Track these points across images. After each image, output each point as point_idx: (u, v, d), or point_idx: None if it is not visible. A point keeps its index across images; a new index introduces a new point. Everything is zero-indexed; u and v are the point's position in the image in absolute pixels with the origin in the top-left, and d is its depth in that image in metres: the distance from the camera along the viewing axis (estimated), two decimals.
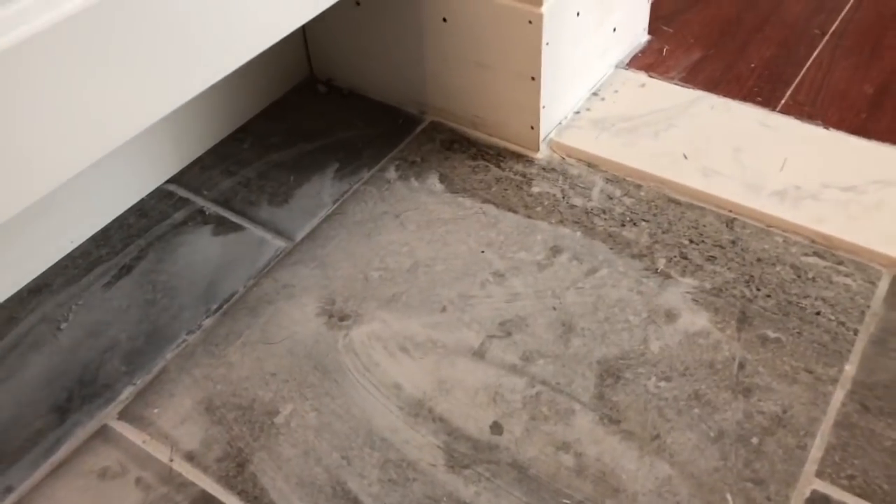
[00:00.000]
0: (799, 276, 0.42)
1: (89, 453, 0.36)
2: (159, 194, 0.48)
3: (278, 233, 0.46)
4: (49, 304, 0.43)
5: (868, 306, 0.40)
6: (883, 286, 0.41)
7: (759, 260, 0.43)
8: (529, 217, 0.46)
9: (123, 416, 0.38)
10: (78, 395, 0.39)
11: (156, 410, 0.38)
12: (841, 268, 0.42)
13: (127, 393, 0.39)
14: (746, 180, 0.47)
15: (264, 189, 0.48)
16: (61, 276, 0.44)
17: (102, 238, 0.46)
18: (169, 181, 0.49)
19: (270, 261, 0.44)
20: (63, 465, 0.36)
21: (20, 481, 0.35)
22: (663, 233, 0.45)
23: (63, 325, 0.42)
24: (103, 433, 0.37)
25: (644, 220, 0.45)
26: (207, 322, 0.41)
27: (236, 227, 0.46)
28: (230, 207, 0.47)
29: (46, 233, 0.44)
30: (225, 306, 0.42)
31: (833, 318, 0.40)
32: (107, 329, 0.41)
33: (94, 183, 0.46)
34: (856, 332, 0.39)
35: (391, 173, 0.49)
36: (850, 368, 0.38)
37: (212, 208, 0.47)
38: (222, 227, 0.46)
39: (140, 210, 0.48)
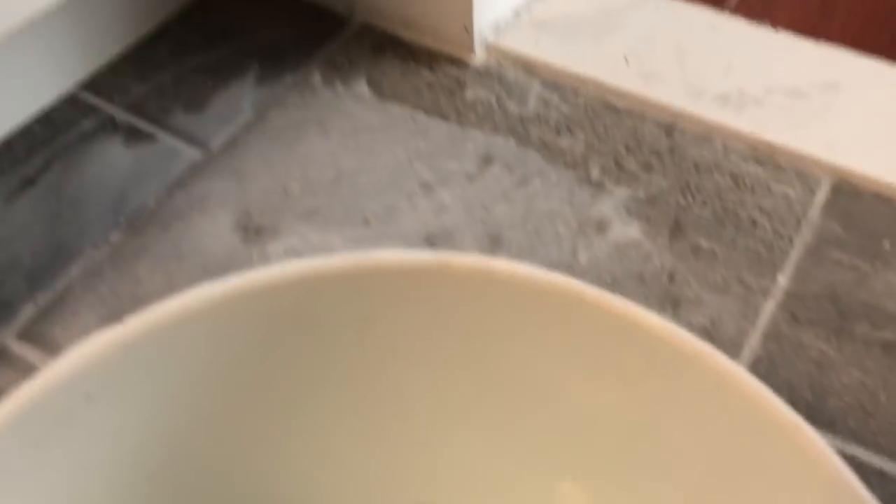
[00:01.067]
0: (737, 185, 0.41)
1: None
2: (66, 101, 0.45)
3: (193, 142, 0.43)
4: None
5: (805, 215, 0.39)
6: (822, 194, 0.40)
7: (696, 168, 0.41)
8: (461, 125, 0.44)
9: (24, 336, 0.36)
10: None
11: (58, 329, 0.36)
12: (781, 175, 0.41)
13: (28, 311, 0.37)
14: (689, 85, 0.45)
15: (180, 95, 0.45)
16: None
17: (4, 148, 0.43)
18: (77, 87, 0.46)
19: (184, 172, 0.42)
20: None
21: None
22: (599, 141, 0.43)
23: None
24: (1, 355, 0.35)
25: (580, 128, 0.43)
26: (116, 237, 0.39)
27: (149, 137, 0.43)
28: (143, 115, 0.44)
29: None
30: (135, 220, 0.40)
31: (769, 227, 0.39)
32: (7, 244, 0.39)
33: None
34: (791, 241, 0.38)
35: (316, 78, 0.46)
36: (782, 279, 0.37)
37: (123, 116, 0.44)
38: (134, 136, 0.44)
39: (45, 118, 0.44)
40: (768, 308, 0.36)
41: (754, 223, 0.39)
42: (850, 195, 0.40)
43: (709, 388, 0.19)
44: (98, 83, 0.46)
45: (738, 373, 0.20)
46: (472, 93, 0.45)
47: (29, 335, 0.36)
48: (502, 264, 0.20)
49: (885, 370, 0.34)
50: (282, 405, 0.21)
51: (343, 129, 0.44)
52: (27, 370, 0.35)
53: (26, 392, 0.18)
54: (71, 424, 0.18)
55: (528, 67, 0.46)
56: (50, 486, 0.18)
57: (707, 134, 0.43)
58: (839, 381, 0.34)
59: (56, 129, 0.44)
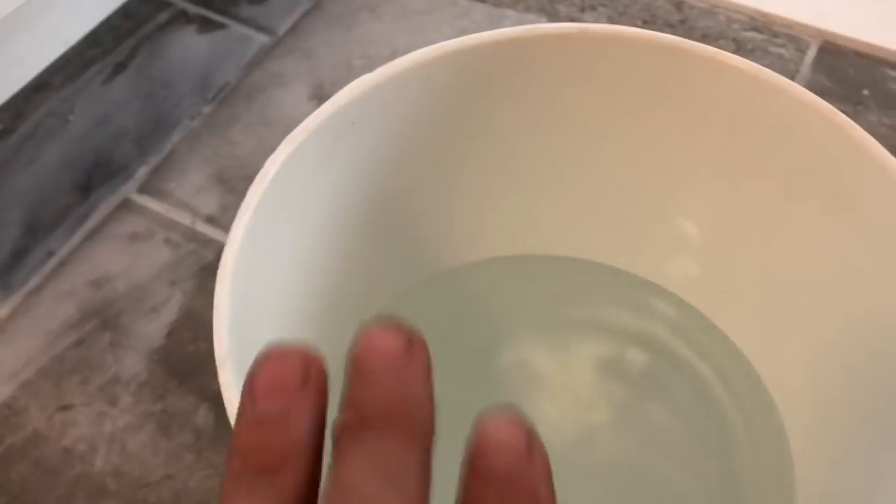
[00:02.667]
0: (739, 49, 0.47)
1: (117, 221, 0.41)
2: (137, 0, 0.50)
3: (261, 28, 0.49)
4: (53, 99, 0.45)
5: (798, 71, 0.46)
6: (811, 54, 0.47)
7: (704, 36, 0.48)
8: (497, 6, 0.50)
9: (143, 190, 0.42)
10: (97, 175, 0.42)
11: (171, 184, 0.42)
12: (776, 40, 0.47)
13: (142, 171, 0.42)
14: None
15: None
16: (60, 75, 0.46)
17: (93, 39, 0.48)
18: None
19: (257, 54, 0.47)
20: (95, 233, 0.40)
21: (58, 247, 0.40)
22: (619, 16, 0.49)
23: (70, 118, 0.45)
24: (127, 205, 0.41)
25: (602, 6, 0.49)
26: (206, 109, 0.45)
27: (220, 25, 0.49)
28: (211, 7, 0.50)
29: (41, 34, 0.46)
30: (221, 95, 0.46)
31: None
32: (113, 119, 0.45)
33: None
34: None
35: None
36: None
37: (193, 9, 0.50)
38: (206, 25, 0.49)
39: (125, 12, 0.49)
40: None
41: None
42: (834, 54, 0.47)
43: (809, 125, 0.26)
44: None
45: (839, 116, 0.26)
46: None
47: (147, 189, 0.42)
48: (633, 30, 0.26)
49: None
50: (463, 150, 0.28)
51: (394, 14, 0.49)
52: (151, 216, 0.41)
53: (314, 119, 0.24)
54: (342, 142, 0.24)
55: None
56: (327, 189, 0.25)
57: (712, 8, 0.49)
58: None
59: (136, 22, 0.49)
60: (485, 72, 0.26)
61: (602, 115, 0.27)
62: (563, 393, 0.31)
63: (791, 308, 0.28)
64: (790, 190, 0.27)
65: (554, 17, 0.49)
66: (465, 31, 0.48)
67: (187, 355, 0.37)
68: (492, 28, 0.49)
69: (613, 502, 0.28)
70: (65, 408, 0.35)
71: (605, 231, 0.30)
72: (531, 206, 0.30)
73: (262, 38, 0.48)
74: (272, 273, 0.23)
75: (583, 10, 0.49)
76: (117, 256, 0.40)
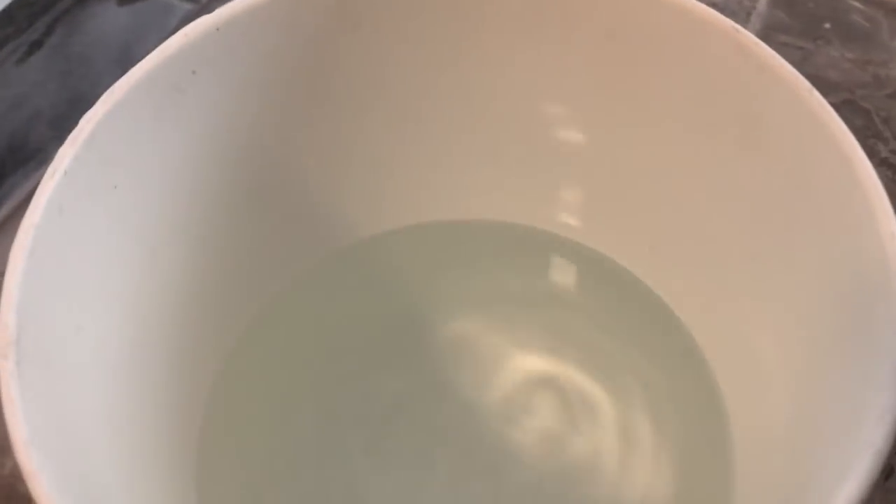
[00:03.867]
0: None
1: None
2: None
3: None
4: None
5: (754, 7, 0.43)
6: None
7: None
8: None
9: None
10: (10, 160, 0.40)
11: None
12: None
13: None
14: None
15: None
16: None
17: (6, 18, 0.45)
18: None
19: (180, 23, 0.45)
20: (7, 222, 0.38)
21: None
22: None
23: None
24: None
25: None
26: None
27: None
28: None
29: None
30: None
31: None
32: (27, 100, 0.42)
33: None
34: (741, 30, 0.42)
35: None
36: None
37: None
38: None
39: None
40: None
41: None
42: None
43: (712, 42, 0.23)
44: None
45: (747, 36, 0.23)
46: None
47: None
48: None
49: None
50: (343, 106, 0.25)
51: None
52: None
53: (141, 67, 0.21)
54: (182, 94, 0.22)
55: None
56: (166, 148, 0.22)
57: None
58: None
59: None
60: (354, 11, 0.23)
61: (495, 59, 0.25)
62: (501, 369, 0.28)
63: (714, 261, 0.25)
64: (700, 121, 0.25)
65: None
66: None
67: None
68: None
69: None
70: None
71: (513, 190, 0.28)
72: (426, 170, 0.27)
73: (185, 6, 0.45)
74: (102, 249, 0.21)
75: None
76: None
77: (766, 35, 0.42)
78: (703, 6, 0.25)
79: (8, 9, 0.46)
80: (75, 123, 0.41)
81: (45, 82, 0.43)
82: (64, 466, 0.16)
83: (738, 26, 0.25)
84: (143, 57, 0.44)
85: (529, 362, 0.27)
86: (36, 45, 0.44)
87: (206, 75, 0.22)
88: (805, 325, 0.22)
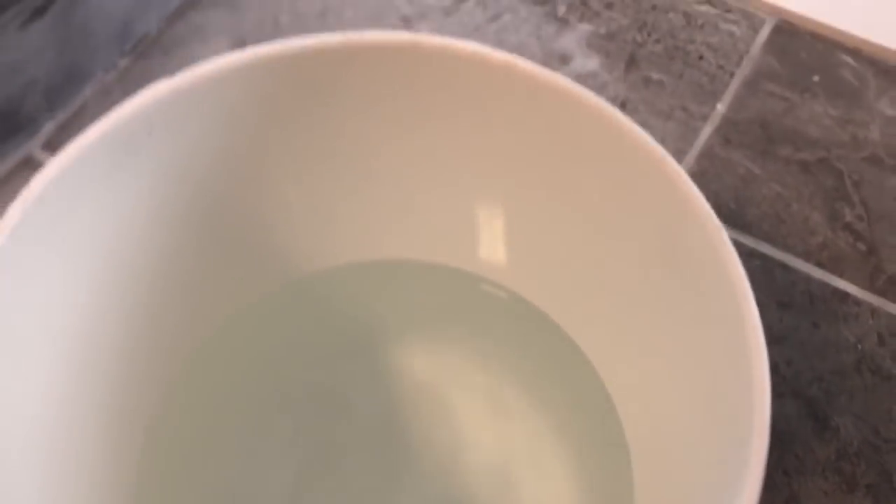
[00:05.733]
0: (689, 23, 0.45)
1: (19, 179, 0.39)
2: None
3: None
4: None
5: (747, 51, 0.43)
6: (764, 33, 0.44)
7: (653, 8, 0.45)
8: None
9: (48, 146, 0.40)
10: (1, 128, 0.41)
11: None
12: (728, 15, 0.45)
13: (49, 126, 0.41)
14: None
15: None
16: None
17: None
18: None
19: (182, 3, 0.45)
20: None
21: None
22: None
23: None
24: (29, 162, 0.40)
25: None
26: (123, 62, 0.43)
27: None
28: None
29: None
30: (139, 47, 0.44)
31: (714, 62, 0.43)
32: (24, 68, 0.43)
33: None
34: (732, 74, 0.43)
35: None
36: (721, 107, 0.42)
37: None
38: None
39: None
40: (706, 131, 0.41)
41: (701, 58, 0.43)
42: (789, 34, 0.44)
43: (601, 132, 0.25)
44: None
45: (620, 118, 0.25)
46: None
47: (52, 145, 0.40)
48: (461, 45, 0.24)
49: (800, 185, 0.39)
50: (284, 159, 0.26)
51: None
52: None
53: (104, 124, 0.22)
54: (138, 151, 0.23)
55: None
56: (117, 200, 0.23)
57: None
58: (760, 193, 0.39)
59: None
60: (308, 80, 0.24)
61: (434, 125, 0.26)
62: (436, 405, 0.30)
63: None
64: (613, 221, 0.26)
65: None
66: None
67: None
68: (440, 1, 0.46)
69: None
70: None
71: (444, 234, 0.29)
72: (364, 212, 0.28)
73: None
74: (49, 301, 0.21)
75: None
76: None
77: (754, 81, 0.42)
78: (636, 128, 0.25)
79: None
80: (69, 96, 0.42)
81: (44, 50, 0.43)
82: None
83: (665, 154, 0.25)
84: (140, 35, 0.45)
85: (454, 393, 0.29)
86: (39, 12, 0.45)
87: (161, 135, 0.23)
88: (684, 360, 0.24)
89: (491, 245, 0.29)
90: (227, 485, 0.26)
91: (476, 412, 0.28)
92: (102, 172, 0.23)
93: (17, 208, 0.21)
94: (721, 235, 0.23)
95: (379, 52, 0.23)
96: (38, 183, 0.22)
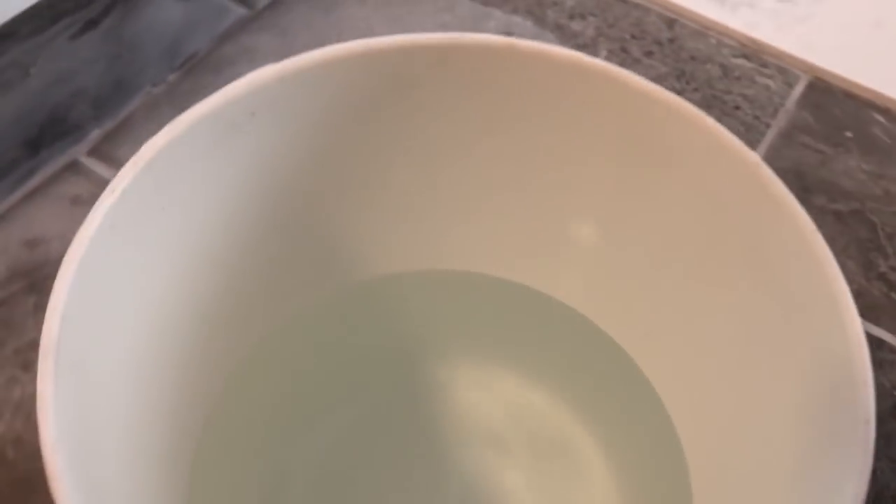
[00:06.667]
0: (726, 75, 0.46)
1: (62, 183, 0.39)
2: None
3: (240, 0, 0.47)
4: (17, 50, 0.44)
5: (783, 104, 0.45)
6: (798, 88, 0.45)
7: (692, 58, 0.46)
8: (485, 4, 0.48)
9: (92, 153, 0.41)
10: (49, 132, 0.41)
11: (123, 150, 0.41)
12: (764, 70, 0.46)
13: (95, 134, 0.41)
14: None
15: None
16: (27, 26, 0.45)
17: None
18: None
19: (232, 26, 0.46)
20: (38, 191, 0.39)
21: None
22: (608, 27, 0.47)
23: (32, 70, 0.43)
24: (74, 167, 0.40)
25: (592, 15, 0.48)
26: (172, 77, 0.44)
27: None
28: None
29: None
30: (188, 64, 0.44)
31: (750, 112, 0.44)
32: (74, 77, 0.43)
33: None
34: (768, 125, 0.44)
35: None
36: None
37: None
38: None
39: None
40: None
41: (737, 108, 0.44)
42: (823, 91, 0.45)
43: (703, 148, 0.25)
44: None
45: (733, 139, 0.25)
46: None
47: (97, 153, 0.41)
48: (560, 50, 0.25)
49: (835, 234, 0.40)
50: (378, 156, 0.27)
51: (377, 0, 0.48)
52: (96, 181, 0.40)
53: (207, 103, 0.23)
54: (239, 131, 0.23)
55: None
56: (221, 181, 0.24)
57: (704, 29, 0.47)
58: None
59: None
60: (405, 76, 0.25)
61: (523, 133, 0.26)
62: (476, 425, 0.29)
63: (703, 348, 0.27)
64: (704, 235, 0.26)
65: (541, 20, 0.47)
66: (445, 27, 0.47)
67: None
68: (474, 25, 0.47)
69: None
70: None
71: (522, 251, 0.29)
72: (447, 221, 0.29)
73: (240, 10, 0.47)
74: (144, 265, 0.22)
75: (571, 17, 0.48)
76: (56, 218, 0.38)
77: (789, 133, 0.43)
78: (730, 134, 0.26)
79: None
80: (117, 107, 0.43)
81: (94, 62, 0.44)
82: (82, 471, 0.17)
83: (759, 160, 0.26)
84: (189, 53, 0.46)
85: (505, 409, 0.29)
86: (91, 24, 0.46)
87: (263, 118, 0.23)
88: (778, 421, 0.24)
89: (566, 263, 0.29)
90: (269, 477, 0.26)
91: (524, 436, 0.28)
92: (205, 148, 0.23)
93: (128, 171, 0.21)
94: (818, 237, 0.23)
95: (475, 53, 0.24)
96: (149, 149, 0.22)
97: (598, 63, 0.25)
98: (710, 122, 0.25)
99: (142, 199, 0.21)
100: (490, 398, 0.29)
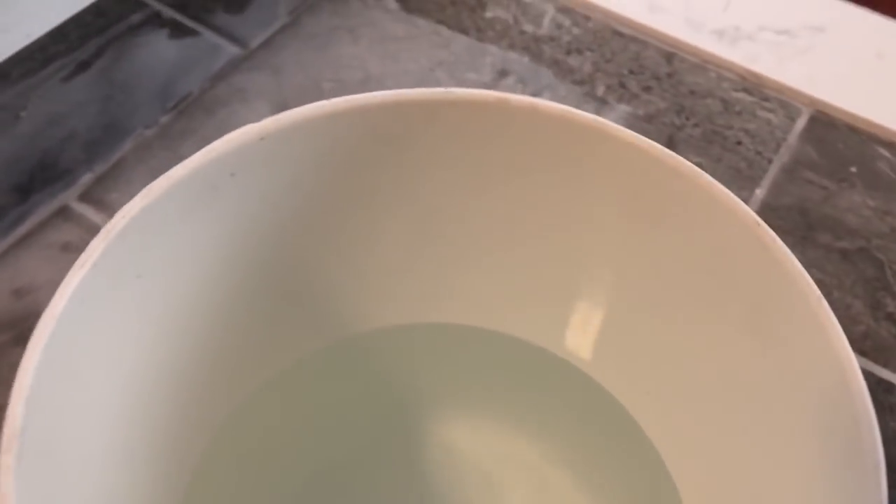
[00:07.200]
0: (726, 109, 0.45)
1: (52, 229, 0.39)
2: None
3: (233, 40, 0.47)
4: (8, 93, 0.44)
5: (785, 139, 0.44)
6: (801, 122, 0.45)
7: (692, 92, 0.46)
8: (480, 40, 0.48)
9: (83, 198, 0.40)
10: (39, 177, 0.41)
11: (114, 195, 0.40)
12: (766, 104, 0.45)
13: (86, 178, 0.41)
14: (689, 18, 0.49)
15: None
16: (19, 68, 0.45)
17: (59, 34, 0.47)
18: None
19: (225, 66, 0.46)
20: (27, 238, 0.38)
21: None
22: (606, 62, 0.47)
23: (22, 114, 0.43)
24: (64, 213, 0.39)
25: (589, 50, 0.47)
26: (164, 119, 0.43)
27: (192, 32, 0.47)
28: (186, 13, 0.48)
29: (2, 26, 0.45)
30: (181, 105, 0.44)
31: (752, 147, 0.43)
32: (65, 120, 0.43)
33: None
34: (770, 161, 0.43)
35: None
36: (759, 192, 0.42)
37: (168, 12, 0.48)
38: (178, 31, 0.47)
39: (97, 10, 0.48)
40: None
41: (739, 143, 0.43)
42: (826, 125, 0.44)
43: (708, 212, 0.24)
44: None
45: (731, 198, 0.24)
46: (492, 12, 0.49)
47: (88, 198, 0.40)
48: (550, 105, 0.24)
49: (840, 273, 0.39)
50: (356, 212, 0.26)
51: (371, 38, 0.47)
52: (87, 227, 0.39)
53: (185, 166, 0.22)
54: (217, 195, 0.22)
55: None
56: (203, 244, 0.23)
57: (703, 63, 0.47)
58: None
59: (107, 21, 0.47)
60: (392, 133, 0.24)
61: (515, 188, 0.25)
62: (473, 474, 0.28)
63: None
64: (707, 296, 0.25)
65: (538, 56, 0.47)
66: (442, 63, 0.46)
67: None
68: (470, 62, 0.47)
69: None
70: None
71: (520, 305, 0.28)
72: (440, 274, 0.28)
73: (232, 50, 0.46)
74: (117, 335, 0.21)
75: (568, 52, 0.47)
76: (46, 266, 0.38)
77: (792, 168, 0.42)
78: (732, 196, 0.25)
79: (63, 26, 0.47)
80: (109, 150, 0.42)
81: (86, 104, 0.43)
82: None
83: (759, 220, 0.25)
84: (182, 93, 0.45)
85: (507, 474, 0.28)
86: (83, 66, 0.45)
87: (242, 179, 0.23)
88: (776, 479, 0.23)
89: (560, 317, 0.28)
90: None
91: (521, 491, 0.27)
92: (182, 212, 0.22)
93: (99, 241, 0.21)
94: (823, 304, 0.22)
95: (466, 108, 0.23)
96: (121, 217, 0.21)
97: (590, 118, 0.24)
98: (705, 178, 0.24)
99: (115, 268, 0.21)
100: (482, 445, 0.28)
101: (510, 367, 0.29)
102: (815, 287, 0.22)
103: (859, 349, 0.37)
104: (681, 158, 0.25)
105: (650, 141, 0.24)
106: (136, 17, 0.48)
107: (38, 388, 0.18)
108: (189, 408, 0.23)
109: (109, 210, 0.40)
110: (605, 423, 0.28)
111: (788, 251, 0.24)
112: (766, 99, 0.45)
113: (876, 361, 0.36)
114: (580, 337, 0.28)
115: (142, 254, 0.21)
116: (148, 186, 0.22)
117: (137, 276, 0.21)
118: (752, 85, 0.46)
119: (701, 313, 0.25)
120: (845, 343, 0.21)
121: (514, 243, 0.27)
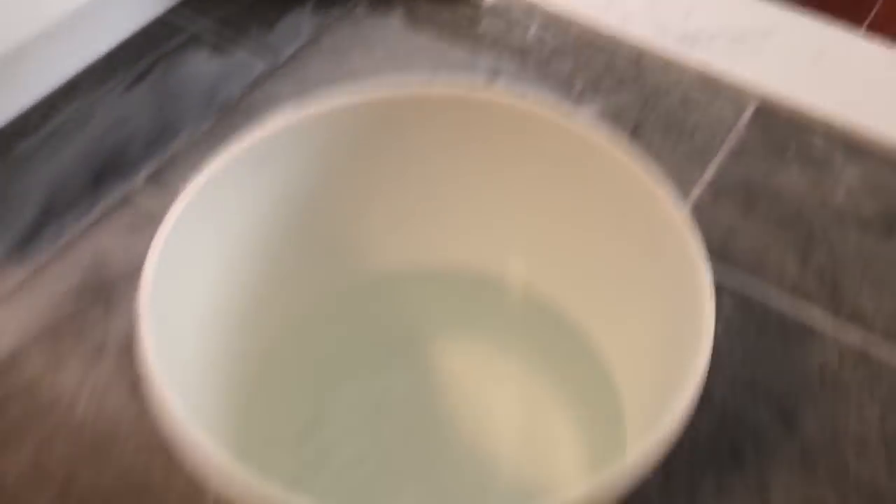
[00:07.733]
0: (684, 105, 0.53)
1: (120, 213, 0.47)
2: (160, 22, 0.57)
3: (264, 55, 0.55)
4: (80, 101, 0.52)
5: (734, 128, 0.51)
6: (747, 114, 0.52)
7: (655, 90, 0.53)
8: (475, 51, 0.56)
9: (145, 187, 0.48)
10: (108, 170, 0.49)
11: (170, 184, 0.48)
12: (718, 100, 0.53)
13: (147, 171, 0.49)
14: (656, 25, 0.57)
15: (252, 20, 0.57)
16: (88, 80, 0.53)
17: (121, 52, 0.55)
18: (166, 12, 0.58)
19: (259, 77, 0.54)
20: (101, 219, 0.47)
21: (68, 229, 0.46)
22: (583, 66, 0.55)
23: (92, 118, 0.51)
24: (129, 199, 0.48)
25: (568, 56, 0.55)
26: (209, 121, 0.52)
27: (229, 50, 0.56)
28: (222, 35, 0.56)
29: (75, 44, 0.53)
30: (223, 110, 0.52)
31: (705, 134, 0.51)
32: (128, 122, 0.51)
33: (107, 7, 0.55)
34: (720, 146, 0.50)
35: (361, 10, 0.58)
36: (709, 172, 0.49)
37: (206, 35, 0.56)
38: (217, 50, 0.56)
39: (146, 34, 0.56)
40: (696, 192, 0.48)
41: (694, 131, 0.51)
42: (769, 115, 0.52)
43: (616, 177, 0.33)
44: (184, 10, 0.58)
45: (640, 168, 0.33)
46: (484, 26, 0.57)
47: (149, 185, 0.48)
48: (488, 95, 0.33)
49: (778, 233, 0.46)
50: (365, 182, 0.35)
51: (383, 51, 0.56)
52: (149, 211, 0.48)
53: (241, 144, 0.31)
54: (263, 166, 0.31)
55: (529, 7, 0.58)
56: (254, 199, 0.32)
57: (666, 65, 0.55)
58: (744, 242, 0.46)
59: (156, 42, 0.56)
60: (384, 121, 0.33)
61: (478, 160, 0.35)
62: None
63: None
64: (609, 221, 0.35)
65: (524, 62, 0.54)
66: (443, 69, 0.54)
67: None
68: (467, 67, 0.55)
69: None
70: (56, 365, 0.41)
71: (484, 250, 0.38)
72: (427, 229, 0.37)
73: (263, 64, 0.55)
74: (201, 261, 0.29)
75: (550, 58, 0.55)
76: (116, 243, 0.46)
77: (739, 152, 0.50)
78: (626, 152, 0.34)
79: (121, 45, 0.56)
80: (164, 147, 0.50)
81: (144, 109, 0.52)
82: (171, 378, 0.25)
83: (645, 168, 0.35)
84: (223, 101, 0.53)
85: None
86: (140, 77, 0.54)
87: (279, 156, 0.31)
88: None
89: (517, 255, 0.37)
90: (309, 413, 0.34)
91: (502, 393, 0.36)
92: (236, 180, 0.31)
93: (189, 190, 0.29)
94: (687, 220, 0.31)
95: (437, 103, 0.32)
96: (202, 178, 0.29)
97: (525, 103, 0.33)
98: (604, 141, 0.34)
99: (203, 204, 0.29)
100: (475, 365, 0.37)
101: (480, 299, 0.38)
102: (682, 208, 0.31)
103: (792, 295, 0.44)
104: (589, 126, 0.33)
105: (568, 114, 0.33)
106: (180, 39, 0.56)
107: (156, 280, 0.26)
108: (254, 310, 0.32)
109: (168, 196, 0.48)
110: (544, 323, 0.37)
111: (665, 187, 0.32)
112: (719, 95, 0.53)
113: (801, 308, 0.44)
114: (524, 267, 0.37)
115: (213, 205, 0.30)
116: (212, 159, 0.30)
117: (217, 211, 0.30)
118: (708, 84, 0.53)
119: (606, 233, 0.34)
120: (700, 248, 0.30)
121: (481, 201, 0.36)
